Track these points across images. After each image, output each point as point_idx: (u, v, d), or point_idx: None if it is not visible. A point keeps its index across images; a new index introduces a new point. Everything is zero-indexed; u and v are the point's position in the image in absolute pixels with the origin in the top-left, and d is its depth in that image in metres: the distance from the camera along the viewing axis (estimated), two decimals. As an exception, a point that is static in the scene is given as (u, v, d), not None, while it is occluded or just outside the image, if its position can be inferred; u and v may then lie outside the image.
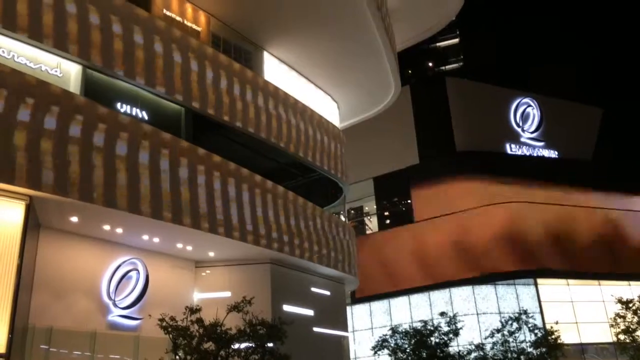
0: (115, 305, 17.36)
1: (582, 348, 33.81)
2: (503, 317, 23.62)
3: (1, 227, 13.44)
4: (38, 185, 13.52)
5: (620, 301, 24.74)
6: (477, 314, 33.79)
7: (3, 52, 14.49)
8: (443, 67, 58.17)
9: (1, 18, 14.06)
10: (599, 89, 52.53)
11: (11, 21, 14.24)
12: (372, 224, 42.25)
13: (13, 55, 14.66)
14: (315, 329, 22.59)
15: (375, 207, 41.82)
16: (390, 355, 20.79)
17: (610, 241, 37.51)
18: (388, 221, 41.15)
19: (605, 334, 33.09)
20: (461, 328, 21.06)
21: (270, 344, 15.11)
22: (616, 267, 36.77)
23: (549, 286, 35.07)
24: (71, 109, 14.70)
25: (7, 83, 13.48)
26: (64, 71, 15.73)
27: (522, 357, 21.39)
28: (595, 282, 36.24)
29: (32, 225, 14.53)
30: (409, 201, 39.61)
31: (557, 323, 24.21)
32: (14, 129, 13.32)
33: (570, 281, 35.81)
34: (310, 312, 22.46)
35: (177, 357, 14.02)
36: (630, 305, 24.51)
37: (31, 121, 13.69)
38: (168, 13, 20.20)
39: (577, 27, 57.68)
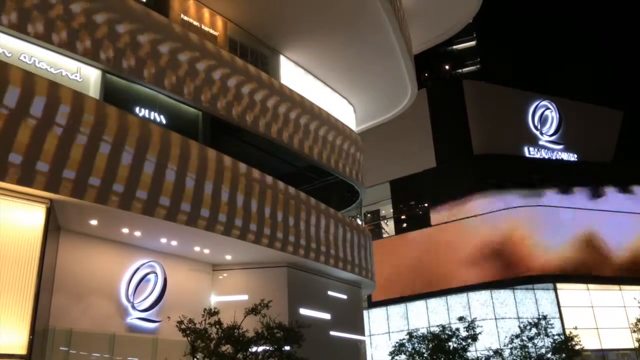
0: (133, 307, 17.49)
1: (603, 354, 33.30)
2: (522, 322, 23.36)
3: (22, 230, 13.62)
4: (58, 189, 13.68)
5: (642, 306, 24.33)
6: (496, 318, 33.45)
7: (25, 57, 14.72)
8: (460, 70, 57.90)
9: (24, 24, 14.30)
10: (618, 91, 51.84)
11: (33, 27, 14.47)
12: (388, 227, 42.10)
13: (34, 61, 14.89)
14: (332, 333, 22.53)
15: (391, 210, 41.68)
16: (408, 359, 20.64)
17: (630, 245, 36.91)
18: (405, 225, 40.96)
19: (626, 340, 32.54)
20: (479, 333, 20.86)
21: (288, 347, 15.09)
22: (638, 271, 36.19)
23: (568, 291, 34.60)
24: (93, 115, 14.86)
25: (34, 89, 13.68)
26: (84, 76, 15.92)
27: (541, 362, 21.15)
28: (616, 286, 35.68)
29: (52, 228, 14.71)
30: (426, 204, 39.40)
31: (575, 328, 23.90)
32: (36, 134, 13.50)
33: (590, 286, 35.29)
34: (327, 316, 22.42)
35: (195, 359, 14.06)
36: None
37: (53, 126, 13.87)
38: (186, 18, 20.37)
39: (594, 29, 57.04)
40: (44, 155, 13.49)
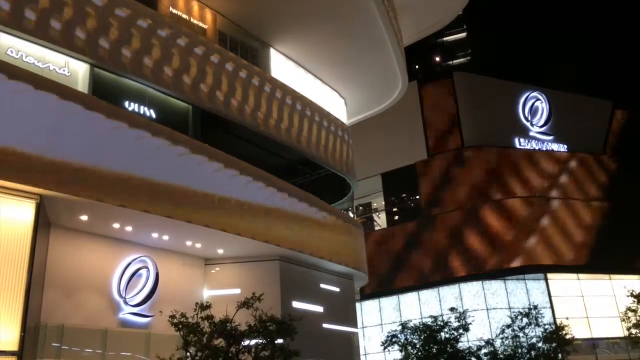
0: (125, 302, 17.45)
1: (593, 343, 33.64)
2: (513, 313, 23.51)
3: (12, 226, 13.53)
4: (48, 184, 13.59)
5: (632, 294, 24.52)
6: (487, 309, 33.68)
7: (12, 51, 14.58)
8: (450, 62, 57.93)
9: (10, 17, 14.15)
10: (609, 82, 52.05)
11: (19, 20, 14.33)
12: (380, 220, 42.21)
13: (22, 55, 14.75)
14: (325, 325, 22.61)
15: (383, 203, 41.77)
16: (400, 350, 20.73)
17: (620, 235, 37.27)
18: (396, 217, 41.09)
19: (616, 329, 32.90)
20: (471, 323, 20.98)
21: (280, 340, 15.13)
22: (627, 261, 36.59)
23: (559, 281, 34.91)
24: (81, 108, 14.76)
25: (20, 83, 13.56)
26: (72, 70, 15.80)
27: (532, 352, 21.29)
28: (606, 276, 36.02)
29: (43, 223, 14.62)
30: (417, 197, 39.53)
31: (567, 319, 24.11)
32: (23, 128, 13.38)
33: (581, 275, 35.61)
34: (319, 309, 22.49)
35: (188, 353, 14.06)
36: (642, 299, 24.29)
37: (41, 120, 13.76)
38: (174, 11, 20.24)
39: (585, 20, 57.19)
40: (32, 149, 13.39)
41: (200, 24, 21.10)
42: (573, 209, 37.09)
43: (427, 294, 36.50)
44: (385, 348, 20.98)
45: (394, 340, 20.63)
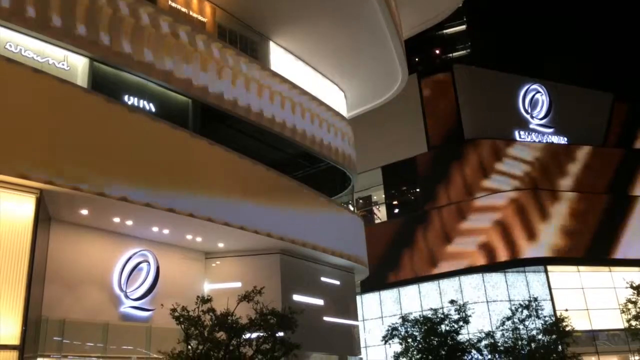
0: (127, 296, 17.49)
1: (593, 335, 33.69)
2: (513, 305, 23.54)
3: (13, 221, 13.54)
4: (48, 179, 13.58)
5: (632, 286, 24.53)
6: (487, 301, 33.75)
7: (10, 45, 14.53)
8: (450, 54, 57.87)
9: (9, 11, 14.10)
10: (609, 74, 51.93)
11: (18, 14, 14.28)
12: (380, 213, 42.20)
13: (20, 49, 14.70)
14: (326, 318, 22.66)
15: (383, 196, 41.76)
16: (400, 343, 20.78)
17: (621, 227, 37.27)
18: (397, 210, 41.09)
19: (616, 321, 32.94)
20: (471, 316, 21.03)
21: (281, 333, 15.16)
22: (627, 252, 36.60)
23: (559, 273, 34.94)
24: (82, 104, 14.74)
25: (20, 77, 13.54)
26: (71, 64, 15.76)
27: (532, 344, 21.34)
28: (606, 268, 36.05)
29: (43, 218, 14.63)
30: (417, 190, 39.52)
31: (566, 310, 24.14)
32: (23, 124, 13.37)
33: (581, 268, 35.64)
34: (320, 302, 22.53)
35: (189, 347, 14.10)
36: (642, 290, 24.28)
37: (43, 116, 13.75)
38: (174, 4, 20.15)
39: (585, 12, 57.00)
40: (32, 144, 13.38)
41: (200, 18, 21.02)
42: (573, 200, 37.04)
43: (428, 287, 36.57)
44: (386, 342, 21.04)
45: (394, 333, 20.67)
